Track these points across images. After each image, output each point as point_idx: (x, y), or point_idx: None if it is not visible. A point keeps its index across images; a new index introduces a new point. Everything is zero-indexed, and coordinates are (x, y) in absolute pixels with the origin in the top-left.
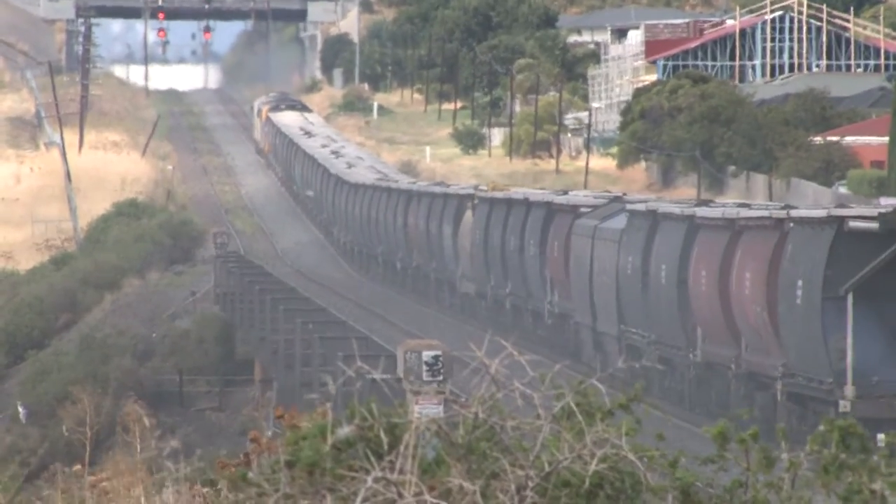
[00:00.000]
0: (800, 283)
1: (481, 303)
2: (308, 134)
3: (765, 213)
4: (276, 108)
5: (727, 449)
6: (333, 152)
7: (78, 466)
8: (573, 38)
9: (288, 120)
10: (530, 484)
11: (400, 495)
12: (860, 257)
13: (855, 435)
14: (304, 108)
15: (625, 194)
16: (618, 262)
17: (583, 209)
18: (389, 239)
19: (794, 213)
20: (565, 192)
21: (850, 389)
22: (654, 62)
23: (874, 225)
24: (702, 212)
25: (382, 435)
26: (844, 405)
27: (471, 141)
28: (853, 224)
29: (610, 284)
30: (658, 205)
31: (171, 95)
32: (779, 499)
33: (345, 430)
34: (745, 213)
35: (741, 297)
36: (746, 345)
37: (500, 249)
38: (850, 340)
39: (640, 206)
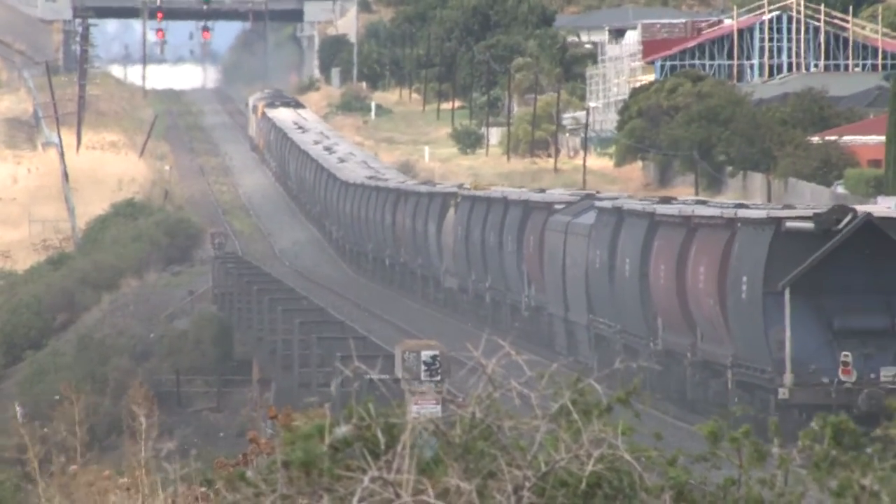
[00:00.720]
0: (744, 278)
1: (463, 297)
2: (302, 130)
3: (717, 213)
4: (271, 105)
5: (719, 447)
6: (326, 148)
7: (74, 467)
8: (571, 38)
9: (282, 116)
10: (527, 484)
11: (397, 495)
12: (797, 255)
13: (847, 431)
14: (298, 105)
15: (598, 192)
16: (587, 256)
17: (556, 206)
18: (378, 236)
19: (740, 213)
20: (542, 191)
21: (788, 378)
22: (651, 62)
23: (810, 225)
24: (661, 209)
25: (380, 434)
26: (783, 392)
27: (469, 140)
28: (790, 224)
29: (580, 277)
30: (623, 202)
31: (169, 95)
32: (772, 495)
33: (342, 430)
34: (699, 210)
35: (696, 290)
36: (701, 335)
37: (480, 245)
38: (788, 332)
39: (608, 204)
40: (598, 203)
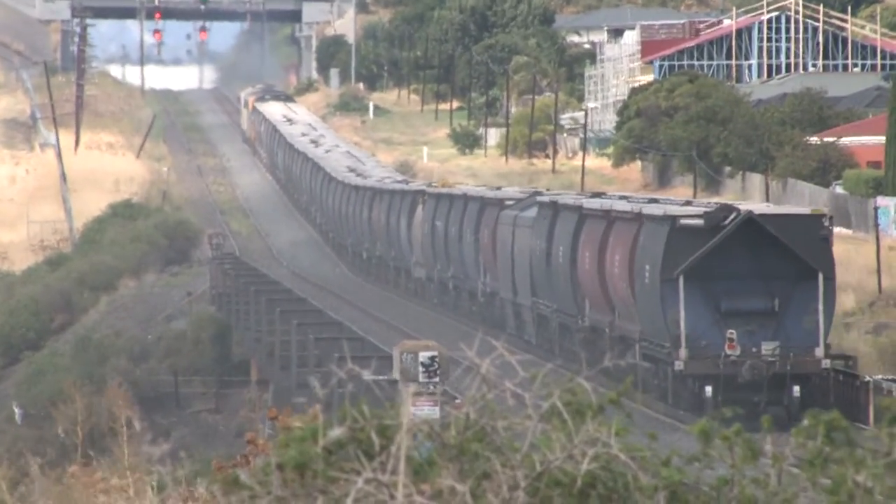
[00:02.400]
0: (647, 266)
1: (430, 285)
2: (290, 122)
3: (628, 207)
4: (261, 99)
5: (711, 446)
6: (313, 141)
7: (74, 467)
8: (570, 38)
9: (272, 110)
10: (522, 484)
11: (391, 496)
12: (690, 247)
13: (840, 428)
14: (288, 99)
15: (548, 189)
16: (530, 246)
17: (507, 202)
18: (356, 231)
19: (645, 209)
20: (498, 188)
21: (683, 352)
22: (650, 62)
23: (700, 221)
24: (587, 203)
25: (374, 436)
26: (679, 364)
27: (467, 141)
28: (683, 221)
29: (525, 264)
30: (558, 197)
31: (167, 95)
32: (765, 494)
33: (336, 432)
34: (616, 205)
35: (612, 274)
36: (618, 313)
37: (444, 238)
38: (682, 313)
39: (546, 199)
40: (539, 199)
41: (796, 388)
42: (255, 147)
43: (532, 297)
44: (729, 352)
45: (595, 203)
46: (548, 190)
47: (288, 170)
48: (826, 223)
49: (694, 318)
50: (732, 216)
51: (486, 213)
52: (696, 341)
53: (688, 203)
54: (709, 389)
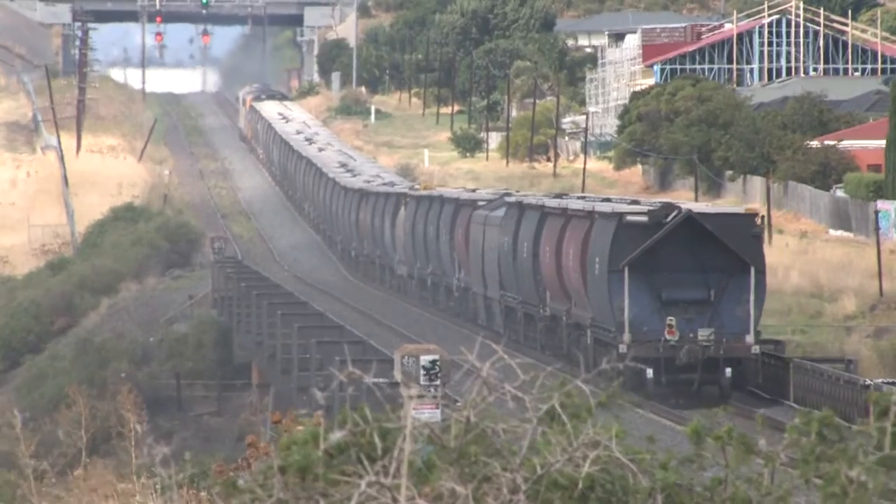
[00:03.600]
0: (597, 259)
1: (411, 282)
2: (286, 120)
3: (581, 206)
4: (257, 98)
5: (704, 447)
6: (307, 138)
7: (79, 471)
8: (571, 43)
9: (268, 108)
10: (523, 486)
11: (394, 499)
12: (634, 242)
13: (832, 426)
14: (283, 98)
15: (518, 191)
16: (498, 243)
17: (479, 203)
18: (345, 231)
19: (597, 206)
20: (473, 190)
21: (627, 336)
22: (650, 66)
23: (644, 218)
24: (549, 202)
25: (376, 439)
26: (623, 347)
27: (468, 145)
28: (629, 218)
29: (494, 260)
30: (523, 198)
31: (169, 99)
32: (759, 494)
33: (337, 436)
34: (572, 204)
35: (568, 267)
36: (573, 302)
37: (423, 237)
38: (626, 301)
39: (513, 200)
40: (507, 199)
41: (728, 370)
42: (251, 144)
43: (500, 291)
44: (668, 337)
45: (554, 202)
46: (535, 193)
47: (283, 166)
48: (758, 221)
49: (637, 306)
50: (674, 214)
51: (461, 213)
52: (638, 327)
53: (635, 202)
54: (650, 371)
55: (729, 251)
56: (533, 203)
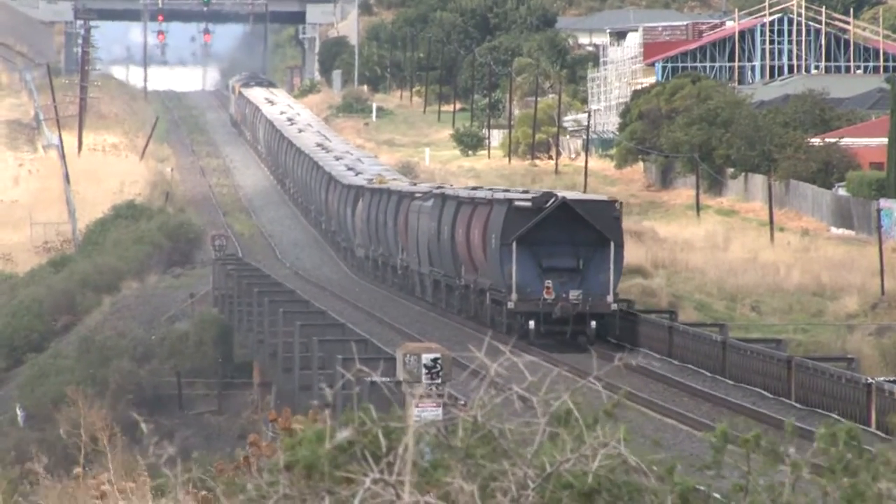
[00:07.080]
0: (493, 236)
1: (367, 263)
2: (271, 103)
3: (485, 195)
4: (246, 85)
5: (724, 452)
6: (289, 119)
7: (78, 469)
8: (572, 41)
9: (255, 94)
10: (531, 484)
11: (398, 497)
12: (521, 221)
13: (857, 439)
14: (270, 85)
15: (451, 185)
16: (428, 228)
17: (416, 195)
18: (318, 207)
19: (495, 195)
20: (414, 184)
21: (514, 296)
22: (652, 64)
23: (529, 203)
24: (462, 193)
25: (381, 437)
26: (511, 304)
27: (470, 142)
28: (517, 203)
29: (425, 242)
30: (445, 190)
31: (170, 97)
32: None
33: (343, 434)
34: (478, 194)
35: (474, 244)
36: (479, 273)
37: (375, 224)
38: (514, 268)
39: (439, 191)
40: (435, 192)
41: (593, 323)
42: (240, 128)
43: (430, 267)
44: (546, 297)
45: (466, 193)
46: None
47: (268, 145)
48: (617, 206)
49: (522, 272)
50: (552, 200)
51: (403, 203)
52: (523, 288)
53: (525, 192)
54: (532, 323)
55: (594, 230)
56: (451, 194)
